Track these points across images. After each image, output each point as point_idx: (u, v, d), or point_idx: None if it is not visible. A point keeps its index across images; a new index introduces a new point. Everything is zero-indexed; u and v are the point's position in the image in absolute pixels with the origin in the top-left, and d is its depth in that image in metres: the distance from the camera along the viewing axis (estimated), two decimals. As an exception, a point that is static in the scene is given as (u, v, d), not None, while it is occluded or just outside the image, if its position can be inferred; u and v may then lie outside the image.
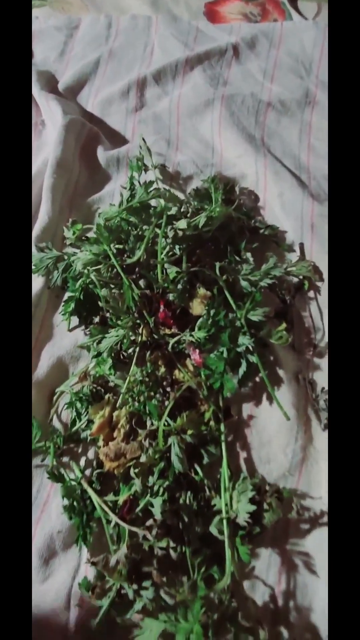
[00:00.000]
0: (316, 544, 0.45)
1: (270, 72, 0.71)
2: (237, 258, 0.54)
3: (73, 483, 0.46)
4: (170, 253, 0.52)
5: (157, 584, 0.42)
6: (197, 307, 0.51)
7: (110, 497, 0.45)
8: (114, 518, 0.43)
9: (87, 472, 0.48)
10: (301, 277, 0.56)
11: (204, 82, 0.69)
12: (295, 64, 0.71)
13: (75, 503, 0.46)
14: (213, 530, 0.43)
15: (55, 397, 0.52)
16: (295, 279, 0.56)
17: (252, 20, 0.77)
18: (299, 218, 0.59)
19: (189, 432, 0.46)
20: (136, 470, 0.45)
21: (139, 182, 0.56)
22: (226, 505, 0.44)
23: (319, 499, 0.47)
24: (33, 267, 0.56)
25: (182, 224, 0.52)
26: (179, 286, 0.50)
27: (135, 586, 0.41)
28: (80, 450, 0.50)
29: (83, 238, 0.57)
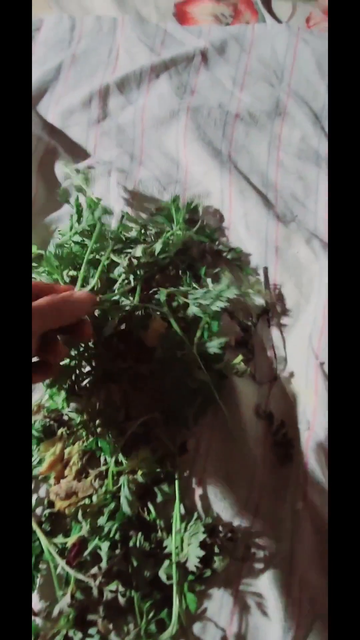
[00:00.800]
0: (269, 586, 0.44)
1: (240, 80, 0.67)
2: (195, 285, 0.52)
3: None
4: (126, 282, 0.50)
5: (104, 631, 0.41)
6: (151, 339, 0.49)
7: (59, 538, 0.44)
8: (60, 563, 0.42)
9: (38, 510, 0.46)
10: (265, 301, 0.54)
11: (170, 90, 0.66)
12: (266, 71, 0.67)
13: (23, 544, 0.44)
14: (162, 575, 0.42)
15: (7, 431, 0.50)
16: (260, 303, 0.54)
17: (223, 22, 0.73)
18: (263, 240, 0.56)
19: (140, 472, 0.45)
20: (84, 512, 0.44)
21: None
22: (177, 548, 0.43)
23: (274, 538, 0.45)
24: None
25: (137, 251, 0.50)
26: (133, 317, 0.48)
27: (80, 634, 0.40)
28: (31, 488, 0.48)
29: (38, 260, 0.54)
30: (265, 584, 0.44)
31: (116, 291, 0.48)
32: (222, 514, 0.46)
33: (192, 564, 0.41)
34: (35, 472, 0.47)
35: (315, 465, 0.46)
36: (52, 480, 0.46)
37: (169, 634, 0.39)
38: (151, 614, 0.41)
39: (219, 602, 0.43)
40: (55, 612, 0.40)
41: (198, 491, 0.47)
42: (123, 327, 0.49)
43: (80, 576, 0.41)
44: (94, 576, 0.40)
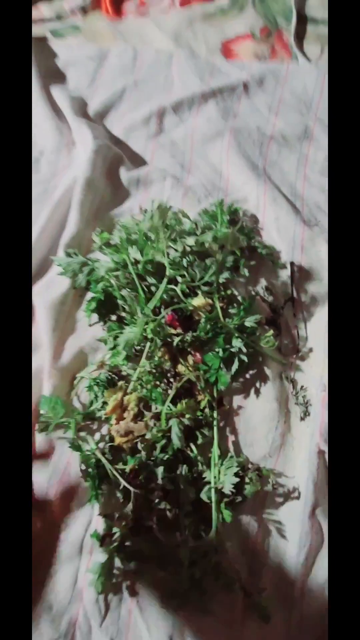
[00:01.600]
0: (287, 514, 0.53)
1: (275, 108, 0.79)
2: (235, 274, 0.63)
3: (89, 453, 0.55)
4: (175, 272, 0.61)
5: (155, 536, 0.50)
6: (198, 313, 0.59)
7: (119, 465, 0.54)
8: (122, 482, 0.52)
9: (101, 445, 0.57)
10: (292, 289, 0.65)
11: (216, 114, 0.78)
12: (297, 102, 0.79)
13: (90, 469, 0.54)
14: (203, 496, 0.52)
15: (75, 382, 0.61)
16: (287, 291, 0.65)
17: (262, 58, 0.86)
18: (291, 240, 0.67)
19: (187, 416, 0.55)
20: (142, 445, 0.54)
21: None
22: (215, 477, 0.53)
23: (292, 477, 0.55)
24: (61, 270, 0.65)
25: (189, 241, 0.61)
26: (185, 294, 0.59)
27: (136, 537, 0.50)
28: (95, 427, 0.58)
29: (107, 245, 0.65)
30: (284, 514, 0.53)
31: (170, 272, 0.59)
32: (251, 457, 0.56)
33: (228, 488, 0.51)
34: (99, 414, 0.58)
35: (327, 421, 0.56)
36: (113, 421, 0.57)
37: (212, 536, 0.49)
38: (192, 528, 0.51)
39: (245, 526, 0.53)
40: (119, 516, 0.50)
41: (231, 438, 0.57)
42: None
43: (139, 491, 0.50)
44: (151, 490, 0.50)
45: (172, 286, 0.58)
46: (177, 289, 0.58)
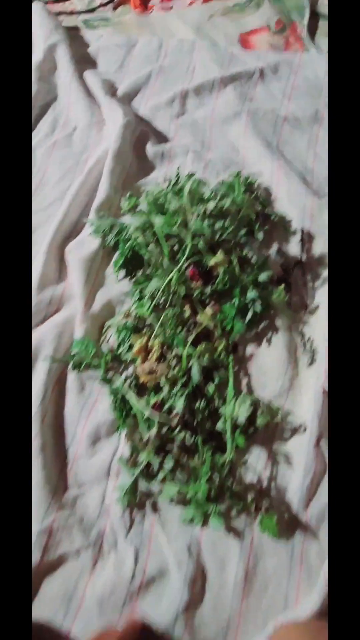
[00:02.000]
0: (294, 447, 0.59)
1: (289, 93, 0.86)
2: (250, 237, 0.69)
3: (117, 387, 0.61)
4: (199, 227, 0.67)
5: (176, 460, 0.56)
6: (218, 268, 0.66)
7: (143, 400, 0.60)
8: (146, 412, 0.58)
9: (126, 383, 0.63)
10: (301, 252, 0.71)
11: (234, 97, 0.84)
12: (309, 88, 0.86)
13: (117, 402, 0.60)
14: (220, 426, 0.58)
15: (104, 329, 0.67)
16: (297, 253, 0.71)
17: (277, 49, 0.92)
18: (302, 209, 0.73)
19: (205, 356, 0.61)
20: (165, 380, 0.60)
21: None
22: (230, 411, 0.59)
23: (298, 416, 0.61)
24: (93, 230, 0.71)
25: (210, 205, 0.68)
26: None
27: (159, 460, 0.56)
28: (122, 368, 0.65)
29: (134, 209, 0.72)
30: (291, 446, 0.59)
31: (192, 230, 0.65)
32: (262, 398, 0.62)
33: (242, 418, 0.57)
34: (126, 356, 0.64)
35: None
36: (138, 362, 0.63)
37: (226, 456, 0.55)
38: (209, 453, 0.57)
39: (257, 456, 0.59)
40: (144, 440, 0.56)
41: (245, 380, 0.63)
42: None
43: (163, 419, 0.57)
44: (172, 419, 0.56)
45: (194, 242, 0.64)
46: (200, 242, 0.64)
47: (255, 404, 0.60)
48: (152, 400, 0.60)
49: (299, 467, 0.58)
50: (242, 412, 0.57)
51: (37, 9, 0.91)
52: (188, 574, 0.53)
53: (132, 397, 0.60)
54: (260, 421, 0.58)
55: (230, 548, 0.54)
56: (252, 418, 0.59)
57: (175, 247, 0.68)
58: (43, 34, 0.88)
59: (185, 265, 0.65)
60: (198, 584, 0.53)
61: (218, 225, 0.67)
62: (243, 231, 0.69)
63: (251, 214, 0.71)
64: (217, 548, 0.54)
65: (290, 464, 0.58)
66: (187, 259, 0.65)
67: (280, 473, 0.58)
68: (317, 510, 0.55)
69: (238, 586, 0.52)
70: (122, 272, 0.70)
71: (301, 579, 0.53)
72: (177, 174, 0.69)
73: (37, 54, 0.87)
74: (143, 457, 0.57)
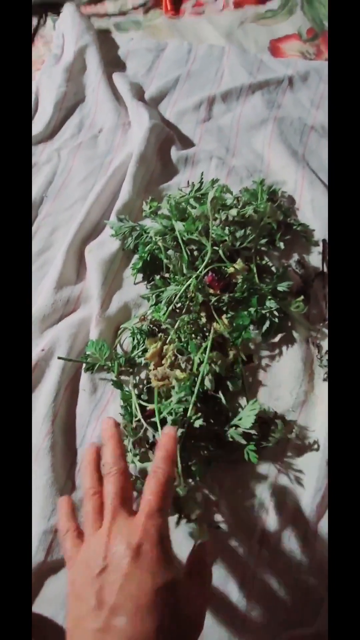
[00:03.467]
0: (305, 463, 0.57)
1: (317, 102, 0.84)
2: (271, 246, 0.68)
3: (128, 392, 0.60)
4: (221, 233, 0.66)
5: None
6: (237, 276, 0.64)
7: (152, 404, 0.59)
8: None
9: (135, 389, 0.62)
10: (322, 263, 0.69)
11: (261, 104, 0.83)
12: (338, 98, 0.84)
13: (128, 407, 0.60)
14: (231, 433, 0.56)
15: (119, 331, 0.66)
16: (317, 265, 0.70)
17: (308, 57, 0.91)
18: (325, 220, 0.72)
19: (218, 362, 0.60)
20: (177, 384, 0.59)
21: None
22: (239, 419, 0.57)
23: (312, 431, 0.59)
24: (112, 232, 0.71)
25: (233, 212, 0.66)
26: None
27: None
28: (134, 371, 0.64)
29: (155, 213, 0.71)
30: (302, 463, 0.57)
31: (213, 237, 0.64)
32: (276, 410, 0.60)
33: (247, 424, 0.55)
34: (140, 360, 0.63)
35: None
36: (151, 366, 0.62)
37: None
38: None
39: (266, 471, 0.57)
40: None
41: (259, 391, 0.62)
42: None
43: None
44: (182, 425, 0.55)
45: (216, 248, 0.63)
46: (220, 250, 0.63)
47: (269, 420, 0.59)
48: (166, 410, 0.59)
49: (309, 484, 0.56)
50: (249, 418, 0.56)
51: (69, 11, 0.91)
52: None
53: (134, 400, 0.59)
54: (273, 439, 0.56)
55: (229, 578, 0.53)
56: (265, 433, 0.57)
57: (195, 253, 0.67)
58: (74, 35, 0.88)
59: (204, 272, 0.64)
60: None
61: (239, 233, 0.66)
62: (264, 240, 0.68)
63: (273, 222, 0.69)
64: (217, 573, 0.53)
65: (300, 480, 0.57)
66: (206, 265, 0.64)
67: (290, 487, 0.56)
68: (326, 529, 0.53)
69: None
70: (140, 276, 0.69)
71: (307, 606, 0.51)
72: (201, 180, 0.68)
73: (68, 56, 0.88)
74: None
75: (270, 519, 0.54)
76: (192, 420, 0.56)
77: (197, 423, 0.56)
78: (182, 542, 0.52)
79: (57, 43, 0.92)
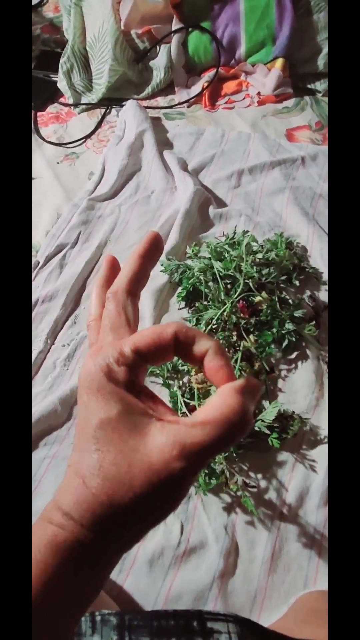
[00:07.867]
0: (317, 454, 0.69)
1: (324, 176, 1.04)
2: (288, 284, 0.84)
3: (174, 391, 0.74)
4: (250, 270, 0.83)
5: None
6: (262, 304, 0.80)
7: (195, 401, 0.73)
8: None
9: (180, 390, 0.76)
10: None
11: (280, 176, 1.04)
12: (341, 173, 1.04)
13: (174, 404, 0.73)
14: (259, 425, 0.69)
15: (166, 345, 0.81)
16: (326, 299, 0.85)
17: (316, 143, 1.13)
18: (331, 265, 0.88)
19: (247, 370, 0.74)
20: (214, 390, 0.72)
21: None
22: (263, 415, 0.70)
23: (323, 429, 0.71)
24: (162, 269, 0.88)
25: (259, 255, 0.84)
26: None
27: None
28: (178, 376, 0.78)
29: (196, 255, 0.89)
30: (315, 453, 0.69)
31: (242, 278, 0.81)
32: (296, 410, 0.73)
33: (270, 416, 0.67)
34: (182, 368, 0.78)
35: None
36: (193, 372, 0.76)
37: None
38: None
39: (285, 458, 0.69)
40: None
41: (278, 396, 0.75)
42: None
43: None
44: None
45: (247, 281, 0.80)
46: (250, 283, 0.79)
47: (288, 417, 0.72)
48: (192, 404, 0.72)
49: (321, 471, 0.67)
50: (271, 413, 0.68)
51: (132, 105, 1.16)
52: (224, 547, 0.62)
53: (179, 397, 0.73)
54: (292, 429, 0.69)
55: (260, 532, 0.63)
56: (285, 427, 0.70)
57: (229, 286, 0.83)
58: (136, 122, 1.12)
59: (236, 300, 0.80)
60: (232, 557, 0.62)
61: (264, 271, 0.83)
62: (283, 278, 0.84)
63: (290, 265, 0.86)
64: (249, 531, 0.63)
65: (314, 468, 0.68)
66: (238, 295, 0.80)
67: (304, 475, 0.68)
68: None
69: (265, 564, 0.61)
70: (183, 303, 0.85)
71: (319, 564, 0.61)
72: (235, 231, 0.86)
73: (130, 137, 1.11)
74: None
75: (290, 496, 0.65)
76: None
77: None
78: (216, 516, 0.63)
79: (119, 127, 1.17)
